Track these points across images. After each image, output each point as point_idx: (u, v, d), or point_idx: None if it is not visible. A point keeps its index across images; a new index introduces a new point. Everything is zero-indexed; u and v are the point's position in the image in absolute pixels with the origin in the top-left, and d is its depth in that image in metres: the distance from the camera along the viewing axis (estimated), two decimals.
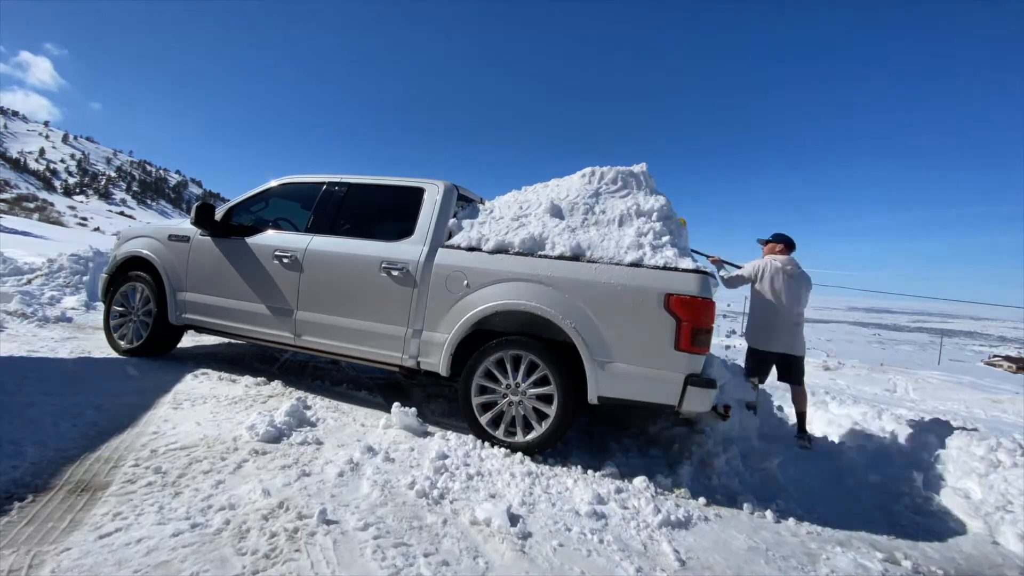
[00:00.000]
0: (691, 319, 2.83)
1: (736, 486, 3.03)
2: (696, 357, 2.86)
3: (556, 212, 3.44)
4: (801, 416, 4.23)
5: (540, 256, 3.19)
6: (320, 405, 3.51)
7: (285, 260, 3.78)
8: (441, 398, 4.15)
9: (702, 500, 2.77)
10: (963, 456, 3.48)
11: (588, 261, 3.10)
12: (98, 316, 5.60)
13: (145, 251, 4.31)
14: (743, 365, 4.37)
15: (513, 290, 3.15)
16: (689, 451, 3.29)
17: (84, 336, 4.92)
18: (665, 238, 3.18)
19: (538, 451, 3.04)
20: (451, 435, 3.15)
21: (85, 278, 7.05)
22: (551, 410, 3.02)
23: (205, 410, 3.18)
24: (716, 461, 3.16)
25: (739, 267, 4.39)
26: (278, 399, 3.55)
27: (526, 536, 2.16)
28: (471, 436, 3.18)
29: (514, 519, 2.24)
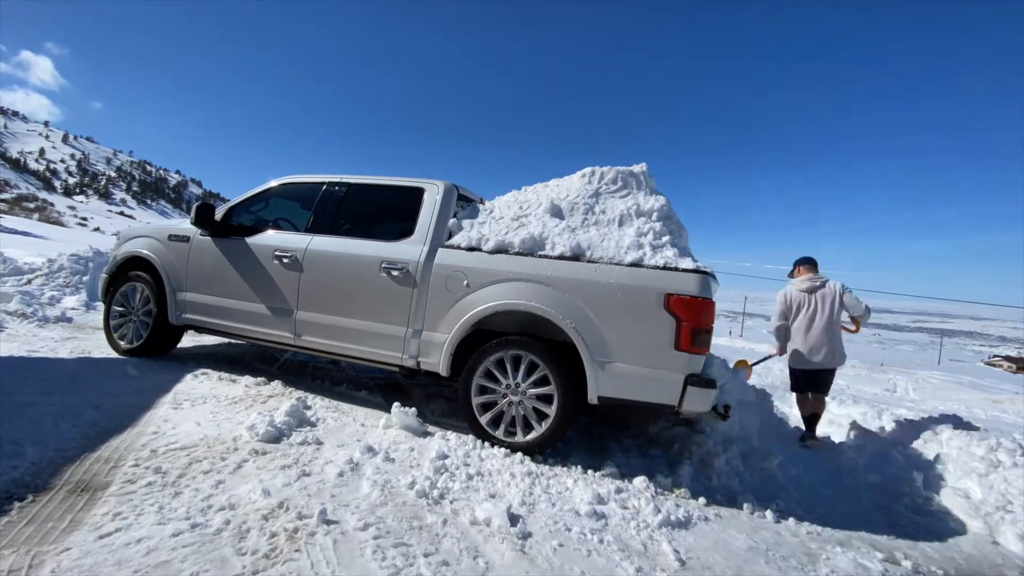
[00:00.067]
0: (691, 319, 2.83)
1: (736, 486, 3.03)
2: (696, 357, 2.86)
3: (556, 212, 3.44)
4: (815, 419, 4.29)
5: (540, 256, 3.19)
6: (320, 405, 3.51)
7: (285, 260, 3.78)
8: (441, 398, 4.15)
9: (702, 500, 2.77)
10: (963, 456, 3.48)
11: (588, 261, 3.10)
12: (98, 316, 5.60)
13: (145, 251, 4.31)
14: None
15: (513, 290, 3.15)
16: (689, 451, 3.29)
17: (84, 336, 4.92)
18: (665, 238, 3.18)
19: (538, 451, 3.04)
20: (451, 435, 3.15)
21: (85, 278, 7.05)
22: (551, 410, 3.02)
23: (205, 410, 3.18)
24: (716, 461, 3.16)
25: (776, 325, 4.51)
26: (278, 399, 3.55)
27: (526, 536, 2.16)
28: (471, 436, 3.18)
29: (514, 519, 2.24)
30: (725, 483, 3.05)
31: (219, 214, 4.13)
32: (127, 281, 4.37)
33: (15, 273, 7.07)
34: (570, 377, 3.01)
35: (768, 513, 2.71)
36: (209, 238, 4.09)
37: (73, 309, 6.09)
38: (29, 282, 6.85)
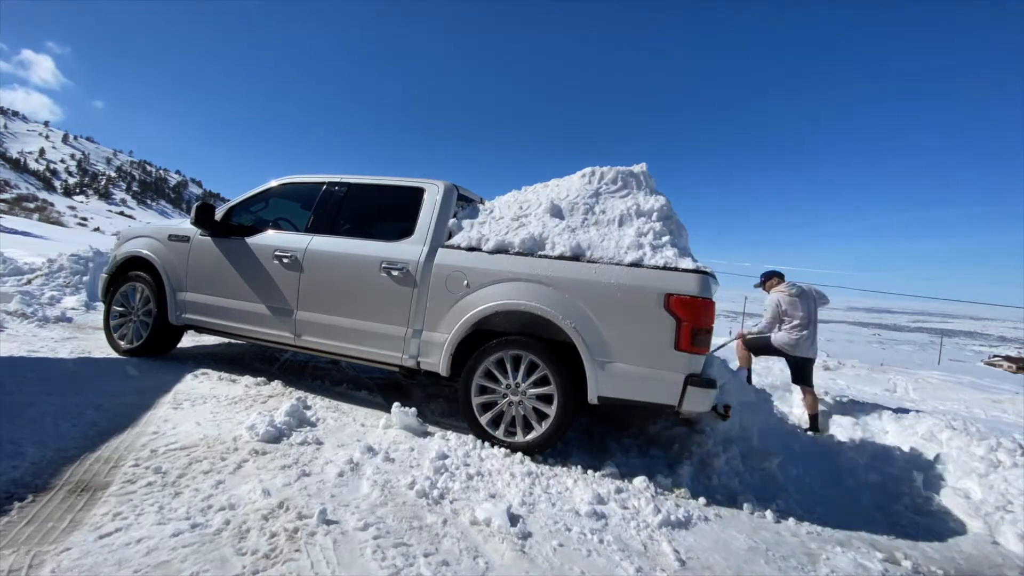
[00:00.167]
0: (691, 319, 2.83)
1: (736, 486, 3.03)
2: (696, 357, 2.86)
3: (556, 212, 3.44)
4: (813, 418, 4.77)
5: (540, 256, 3.19)
6: (320, 405, 3.51)
7: (285, 260, 3.78)
8: (441, 398, 4.15)
9: (702, 500, 2.77)
10: (963, 456, 3.48)
11: (588, 261, 3.10)
12: (98, 316, 5.60)
13: (145, 251, 4.31)
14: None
15: (513, 290, 3.15)
16: (689, 451, 3.29)
17: (84, 336, 4.92)
18: (665, 238, 3.18)
19: (538, 451, 3.04)
20: (451, 435, 3.15)
21: (85, 278, 7.06)
22: (551, 410, 3.02)
23: (205, 410, 3.18)
24: (716, 461, 3.16)
25: (764, 327, 5.09)
26: (278, 399, 3.55)
27: (526, 536, 2.16)
28: (471, 436, 3.18)
29: (514, 519, 2.24)
30: (725, 483, 3.05)
31: (219, 214, 4.13)
32: (127, 281, 4.37)
33: (15, 273, 7.08)
34: (570, 377, 3.01)
35: (768, 513, 2.71)
36: (209, 238, 4.09)
37: (73, 309, 6.09)
38: (29, 282, 6.85)
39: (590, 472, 2.90)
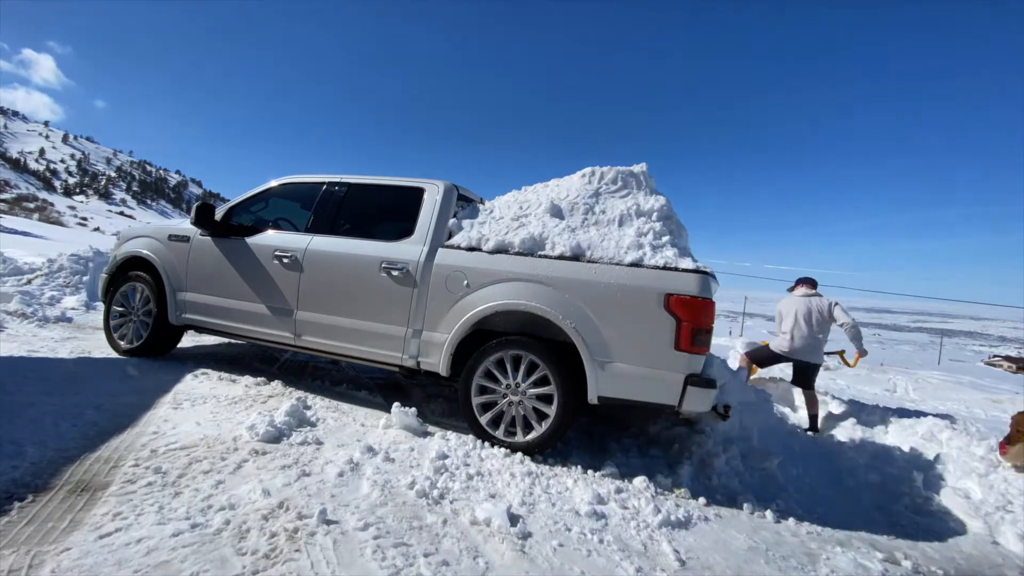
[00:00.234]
0: (691, 319, 2.83)
1: (736, 486, 3.03)
2: (696, 357, 2.86)
3: (556, 212, 3.44)
4: (813, 418, 4.81)
5: (540, 256, 3.19)
6: (320, 405, 3.51)
7: (285, 260, 3.78)
8: (441, 398, 4.15)
9: (702, 500, 2.77)
10: (963, 456, 3.49)
11: (588, 261, 3.10)
12: (98, 316, 5.60)
13: (145, 251, 4.31)
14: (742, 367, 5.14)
15: (513, 290, 3.15)
16: (689, 451, 3.29)
17: (84, 336, 4.92)
18: (665, 238, 3.18)
19: (538, 451, 3.04)
20: (451, 435, 3.15)
21: (85, 278, 7.05)
22: (551, 410, 3.02)
23: (205, 410, 3.18)
24: (716, 461, 3.16)
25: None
26: (278, 399, 3.55)
27: (526, 536, 2.16)
28: (471, 436, 3.18)
29: (514, 519, 2.24)
30: (725, 483, 3.05)
31: (219, 214, 4.13)
32: (127, 281, 4.37)
33: (15, 273, 7.07)
34: (570, 377, 3.01)
35: (768, 513, 2.71)
36: (209, 238, 4.09)
37: (73, 309, 6.08)
38: (29, 282, 6.85)
39: (590, 472, 2.90)
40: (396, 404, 3.28)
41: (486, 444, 3.09)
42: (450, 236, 3.53)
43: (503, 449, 3.03)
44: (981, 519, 2.93)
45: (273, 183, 4.18)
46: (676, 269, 2.93)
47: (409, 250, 3.48)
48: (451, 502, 2.36)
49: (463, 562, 1.93)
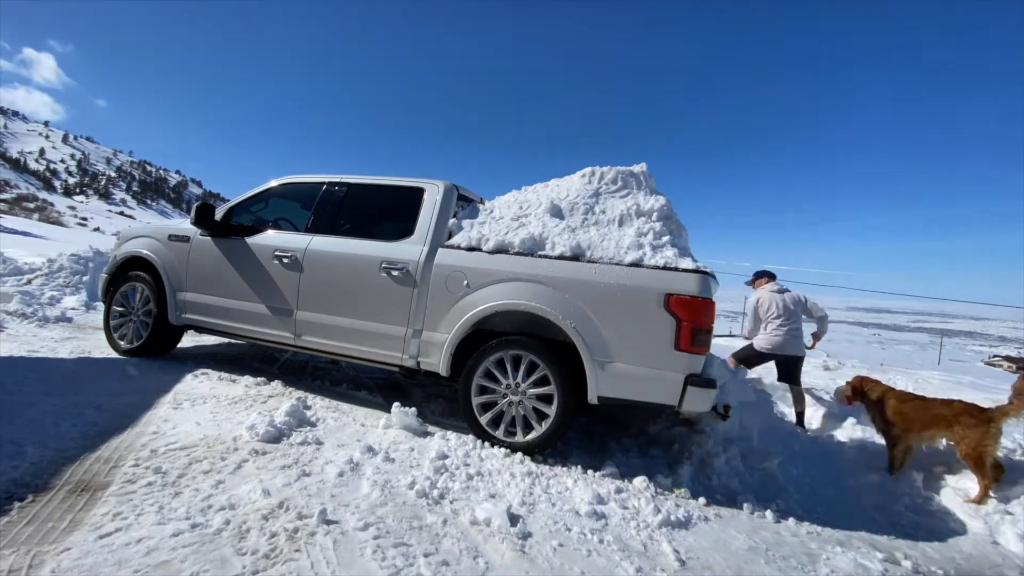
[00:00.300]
0: (691, 319, 2.83)
1: (736, 486, 3.03)
2: (696, 357, 2.86)
3: (556, 212, 3.44)
4: (800, 415, 4.74)
5: (540, 256, 3.19)
6: (320, 405, 3.51)
7: (285, 260, 3.78)
8: (441, 398, 4.15)
9: (702, 500, 2.77)
10: None
11: (588, 261, 3.10)
12: (98, 316, 5.60)
13: (145, 251, 4.31)
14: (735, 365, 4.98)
15: (513, 290, 3.15)
16: (689, 451, 3.29)
17: (84, 336, 4.92)
18: (665, 238, 3.18)
19: (538, 451, 3.04)
20: (451, 435, 3.16)
21: (85, 278, 7.06)
22: (551, 410, 3.02)
23: (205, 410, 3.18)
24: (716, 461, 3.16)
25: (750, 329, 5.13)
26: (278, 399, 3.55)
27: (526, 536, 2.16)
28: (471, 436, 3.18)
29: (514, 519, 2.24)
30: (725, 483, 3.05)
31: (219, 214, 4.13)
32: (127, 281, 4.37)
33: (15, 273, 7.07)
34: (570, 377, 3.01)
35: (768, 513, 2.71)
36: (209, 238, 4.09)
37: (73, 309, 6.09)
38: (29, 282, 6.85)
39: (590, 472, 2.90)
40: (396, 404, 3.28)
41: (486, 444, 3.09)
42: (450, 236, 3.53)
43: (503, 449, 3.03)
44: (981, 519, 2.93)
45: (273, 183, 4.18)
46: (676, 269, 2.93)
47: (409, 250, 3.48)
48: (451, 502, 2.36)
49: (463, 562, 1.93)
